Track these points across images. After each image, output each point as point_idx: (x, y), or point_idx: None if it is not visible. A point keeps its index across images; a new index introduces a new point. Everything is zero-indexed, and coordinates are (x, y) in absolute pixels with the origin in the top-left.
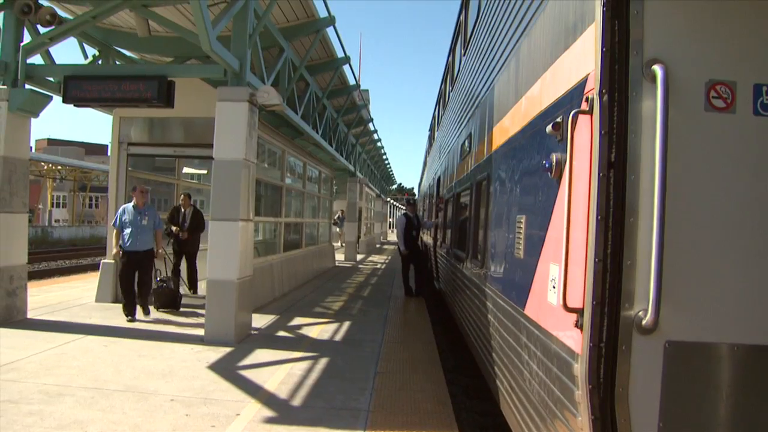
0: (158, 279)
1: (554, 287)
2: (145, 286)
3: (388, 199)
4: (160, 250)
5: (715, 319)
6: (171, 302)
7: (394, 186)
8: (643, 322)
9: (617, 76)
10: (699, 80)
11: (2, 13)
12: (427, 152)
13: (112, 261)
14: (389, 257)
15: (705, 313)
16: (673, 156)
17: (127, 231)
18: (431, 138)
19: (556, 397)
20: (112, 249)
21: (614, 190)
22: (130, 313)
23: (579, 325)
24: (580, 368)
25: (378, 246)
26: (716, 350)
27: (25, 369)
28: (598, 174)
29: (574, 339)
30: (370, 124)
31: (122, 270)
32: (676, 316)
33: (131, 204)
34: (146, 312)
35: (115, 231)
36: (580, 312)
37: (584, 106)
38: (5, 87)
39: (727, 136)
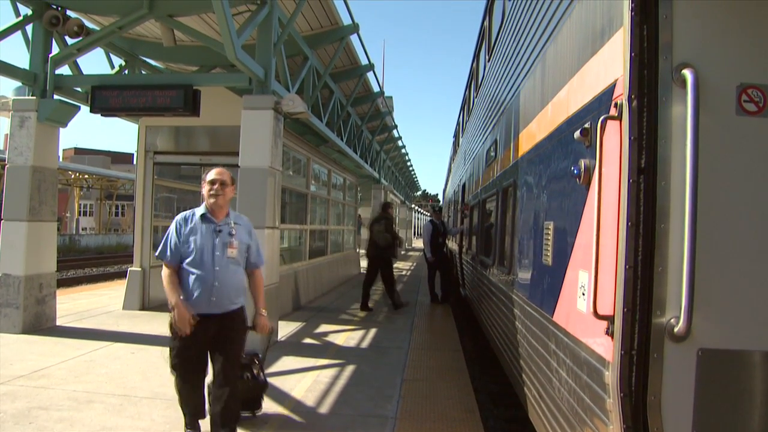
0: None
1: (584, 294)
2: (232, 392)
3: (413, 205)
4: (262, 312)
5: (749, 327)
6: (250, 402)
7: (419, 192)
8: (675, 330)
9: (646, 81)
10: (730, 84)
11: (31, 25)
12: (452, 159)
13: (139, 269)
14: (414, 264)
15: (738, 321)
16: (704, 161)
17: (193, 273)
18: (455, 144)
19: (586, 405)
20: (175, 302)
21: (645, 196)
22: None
23: (610, 332)
24: (611, 376)
25: (403, 252)
26: (750, 358)
27: (55, 376)
28: (628, 180)
29: (605, 346)
30: (395, 131)
31: (181, 352)
32: (709, 323)
33: (198, 210)
34: None
35: (168, 271)
36: (610, 319)
37: (613, 111)
38: (34, 98)
39: (760, 139)
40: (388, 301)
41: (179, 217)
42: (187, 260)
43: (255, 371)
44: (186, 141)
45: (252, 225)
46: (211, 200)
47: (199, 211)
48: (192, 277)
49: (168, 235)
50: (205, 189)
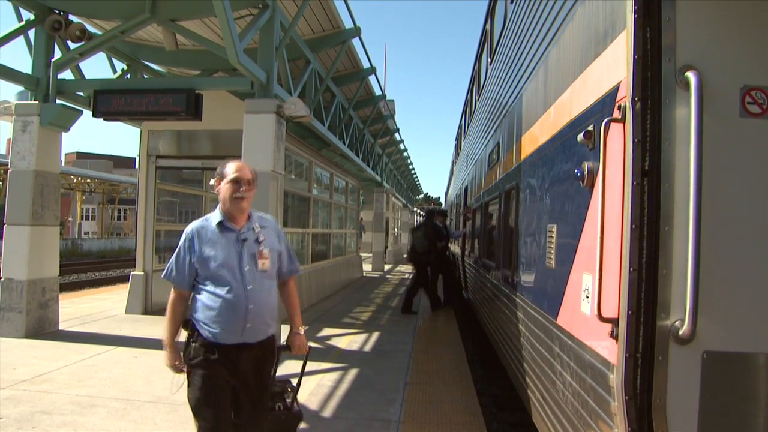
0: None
1: (587, 297)
2: None
3: (415, 208)
4: (300, 330)
5: (754, 329)
6: None
7: (421, 196)
8: (680, 332)
9: (650, 83)
10: (733, 86)
11: (34, 29)
12: (454, 161)
13: (142, 273)
14: None
15: (743, 323)
16: (708, 163)
17: (220, 296)
18: (458, 147)
19: (590, 408)
20: (167, 341)
21: (648, 199)
22: None
23: (614, 335)
24: (615, 379)
25: (405, 256)
26: (755, 360)
27: (58, 380)
28: (632, 182)
29: (609, 349)
30: (396, 134)
31: (203, 394)
32: (714, 326)
33: (214, 217)
34: None
35: (174, 297)
36: (615, 322)
37: (616, 114)
38: (37, 102)
39: (763, 141)
40: (390, 304)
41: (190, 228)
42: (209, 281)
43: (288, 400)
44: (188, 145)
45: (279, 229)
46: (235, 204)
47: (215, 217)
48: (219, 302)
49: (176, 252)
50: (225, 190)
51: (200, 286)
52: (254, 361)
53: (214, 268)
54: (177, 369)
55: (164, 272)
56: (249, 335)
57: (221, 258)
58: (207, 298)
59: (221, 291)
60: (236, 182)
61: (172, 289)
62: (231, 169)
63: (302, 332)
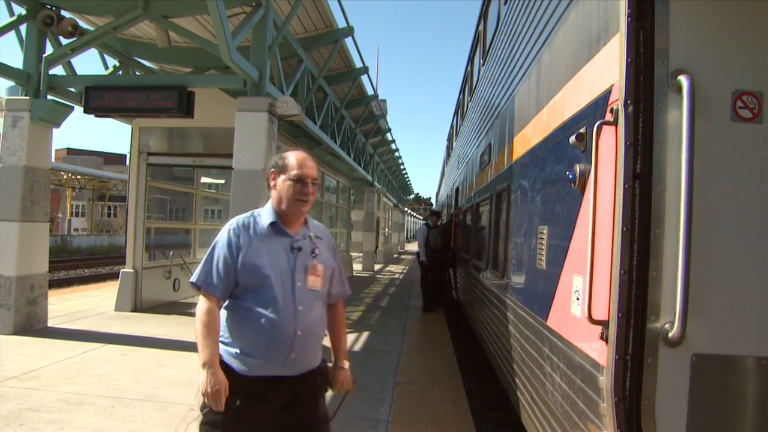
0: None
1: (578, 299)
2: None
3: (406, 209)
4: (345, 363)
5: (743, 332)
6: None
7: (412, 196)
8: (670, 335)
9: (642, 86)
10: (725, 90)
11: (25, 24)
12: (445, 162)
13: (131, 270)
14: (407, 267)
15: (733, 326)
16: (699, 167)
17: (263, 314)
18: (449, 148)
19: (580, 410)
20: (208, 359)
21: (640, 202)
22: None
23: (604, 337)
24: (605, 381)
25: (395, 256)
26: (744, 363)
27: (46, 377)
28: (624, 185)
29: (599, 351)
30: (388, 134)
31: None
32: (703, 328)
33: (265, 215)
34: None
35: (209, 306)
36: (605, 324)
37: (609, 116)
38: (27, 97)
39: (754, 146)
40: (380, 304)
41: (235, 224)
42: (250, 295)
43: None
44: (180, 142)
45: (332, 237)
46: (296, 207)
47: (267, 216)
48: (261, 321)
49: (214, 250)
50: (286, 188)
51: (235, 301)
52: (294, 395)
53: (261, 278)
54: (219, 399)
55: (195, 276)
56: (290, 367)
57: (271, 267)
58: (243, 317)
59: (264, 309)
60: (301, 181)
61: (203, 299)
62: (294, 162)
63: (347, 367)
